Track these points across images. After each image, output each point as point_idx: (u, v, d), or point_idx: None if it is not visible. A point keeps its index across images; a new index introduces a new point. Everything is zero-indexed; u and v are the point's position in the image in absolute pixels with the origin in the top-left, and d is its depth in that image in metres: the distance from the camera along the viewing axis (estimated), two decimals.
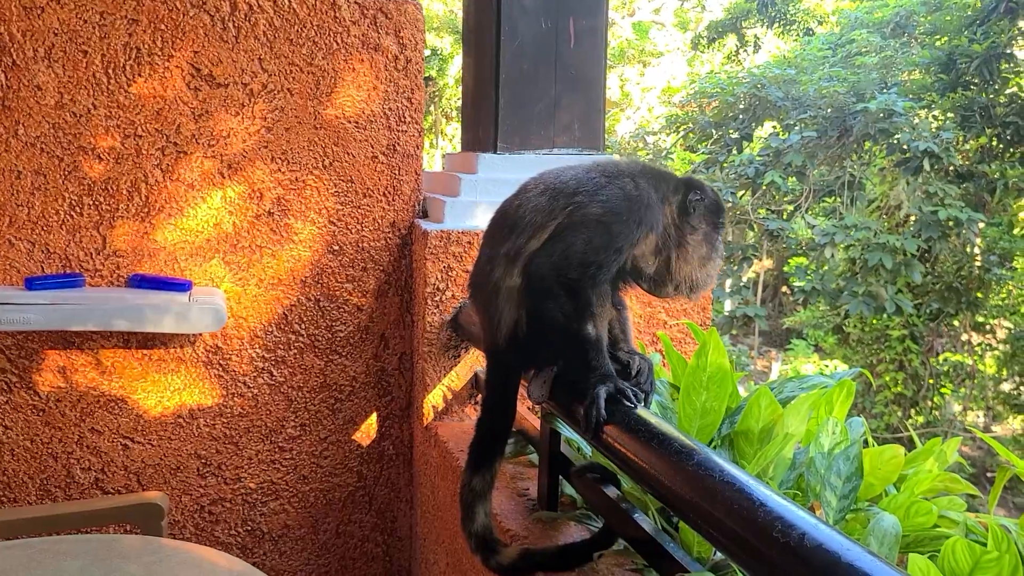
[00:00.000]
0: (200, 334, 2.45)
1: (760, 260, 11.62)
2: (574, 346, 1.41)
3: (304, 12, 2.44)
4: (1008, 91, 9.56)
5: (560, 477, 1.71)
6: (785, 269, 13.75)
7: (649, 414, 1.32)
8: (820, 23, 15.32)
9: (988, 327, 15.57)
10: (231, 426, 2.52)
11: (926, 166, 8.28)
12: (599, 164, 1.53)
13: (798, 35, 14.52)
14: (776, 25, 15.25)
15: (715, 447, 1.53)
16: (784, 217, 10.03)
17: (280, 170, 2.47)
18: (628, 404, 1.34)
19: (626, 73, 17.35)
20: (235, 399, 2.52)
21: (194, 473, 2.52)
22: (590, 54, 2.60)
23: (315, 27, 2.45)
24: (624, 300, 1.59)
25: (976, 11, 9.51)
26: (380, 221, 2.55)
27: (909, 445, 1.67)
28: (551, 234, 1.44)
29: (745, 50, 16.15)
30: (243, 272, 2.49)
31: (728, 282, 11.05)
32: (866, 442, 1.56)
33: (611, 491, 1.49)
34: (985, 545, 1.13)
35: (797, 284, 10.50)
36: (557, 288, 1.41)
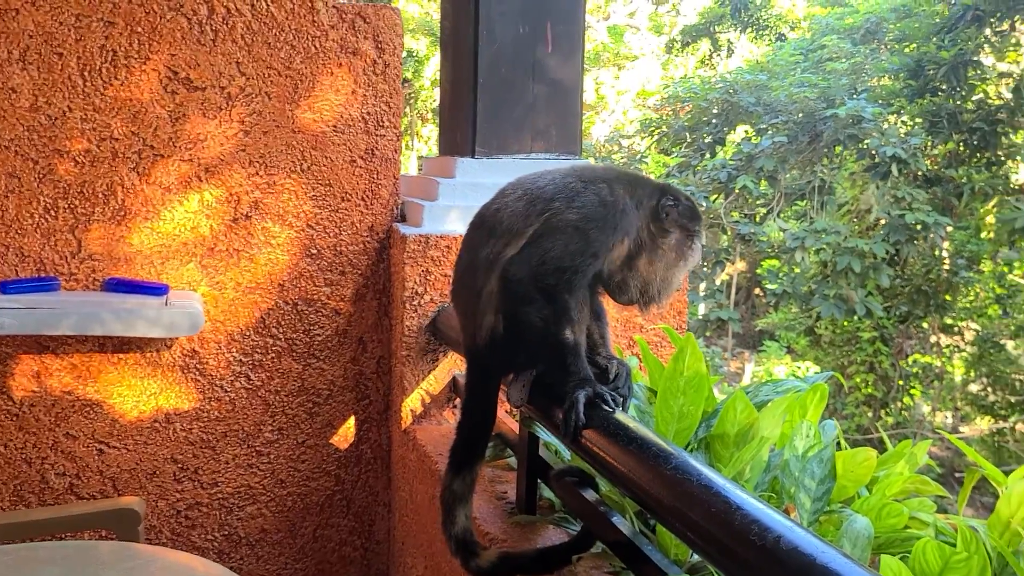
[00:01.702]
0: (176, 338, 2.44)
1: (733, 263, 11.73)
2: (553, 351, 1.43)
3: (282, 16, 2.44)
4: (975, 97, 9.73)
5: (539, 480, 1.73)
6: (758, 272, 13.89)
7: (627, 418, 1.34)
8: (792, 28, 15.48)
9: (956, 329, 15.84)
10: (208, 430, 2.51)
11: (894, 171, 8.42)
12: (576, 169, 1.55)
13: (771, 40, 14.66)
14: (749, 30, 15.39)
15: (692, 450, 1.56)
16: (756, 221, 10.15)
17: (257, 174, 2.47)
18: (607, 408, 1.36)
19: (601, 76, 17.43)
20: (212, 403, 2.51)
21: (170, 478, 2.50)
22: (567, 59, 2.62)
23: (293, 31, 2.45)
24: (602, 305, 1.61)
25: (944, 19, 9.67)
26: (358, 225, 2.56)
27: (880, 446, 1.71)
28: (529, 239, 1.45)
29: (719, 54, 16.28)
30: (220, 276, 2.48)
31: (702, 285, 11.14)
32: (839, 445, 1.59)
33: (589, 494, 1.50)
34: (955, 546, 1.16)
35: (769, 287, 10.62)
36: (535, 293, 1.43)
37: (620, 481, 1.26)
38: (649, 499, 1.17)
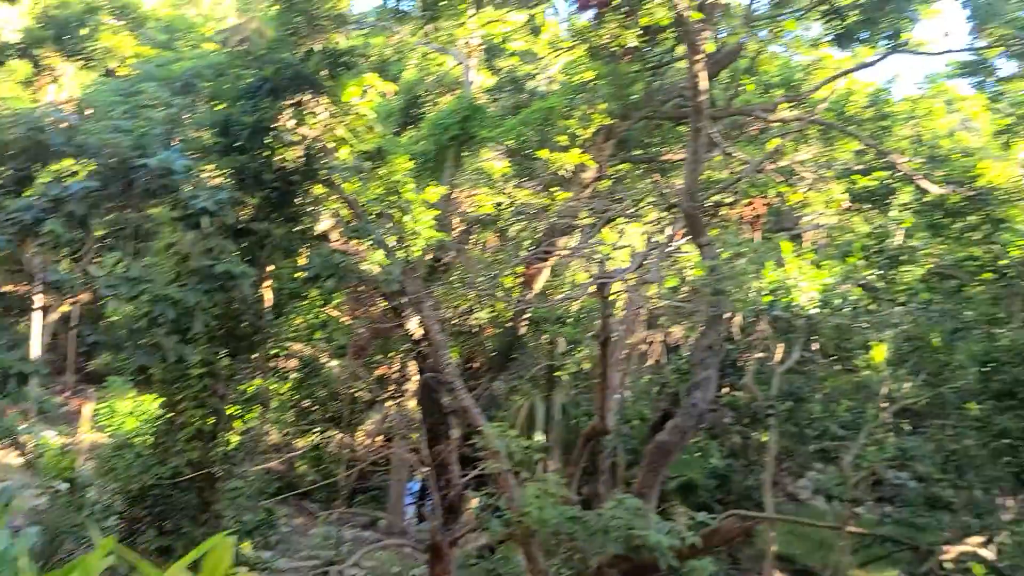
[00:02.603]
0: None
1: (53, 311, 11.02)
2: None
3: None
4: (275, 159, 10.90)
5: None
6: (89, 314, 13.30)
7: None
8: (122, 64, 15.22)
9: (280, 357, 17.42)
10: None
11: (205, 223, 8.94)
12: None
13: (99, 74, 14.22)
14: (76, 59, 14.74)
15: None
16: (67, 267, 9.73)
17: None
18: None
19: None
20: None
21: None
22: None
23: None
24: None
25: (247, 85, 10.62)
26: None
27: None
28: None
29: (47, 79, 15.18)
30: None
31: (7, 336, 10.23)
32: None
33: None
34: None
35: (88, 334, 10.28)
36: None
37: None
38: None
